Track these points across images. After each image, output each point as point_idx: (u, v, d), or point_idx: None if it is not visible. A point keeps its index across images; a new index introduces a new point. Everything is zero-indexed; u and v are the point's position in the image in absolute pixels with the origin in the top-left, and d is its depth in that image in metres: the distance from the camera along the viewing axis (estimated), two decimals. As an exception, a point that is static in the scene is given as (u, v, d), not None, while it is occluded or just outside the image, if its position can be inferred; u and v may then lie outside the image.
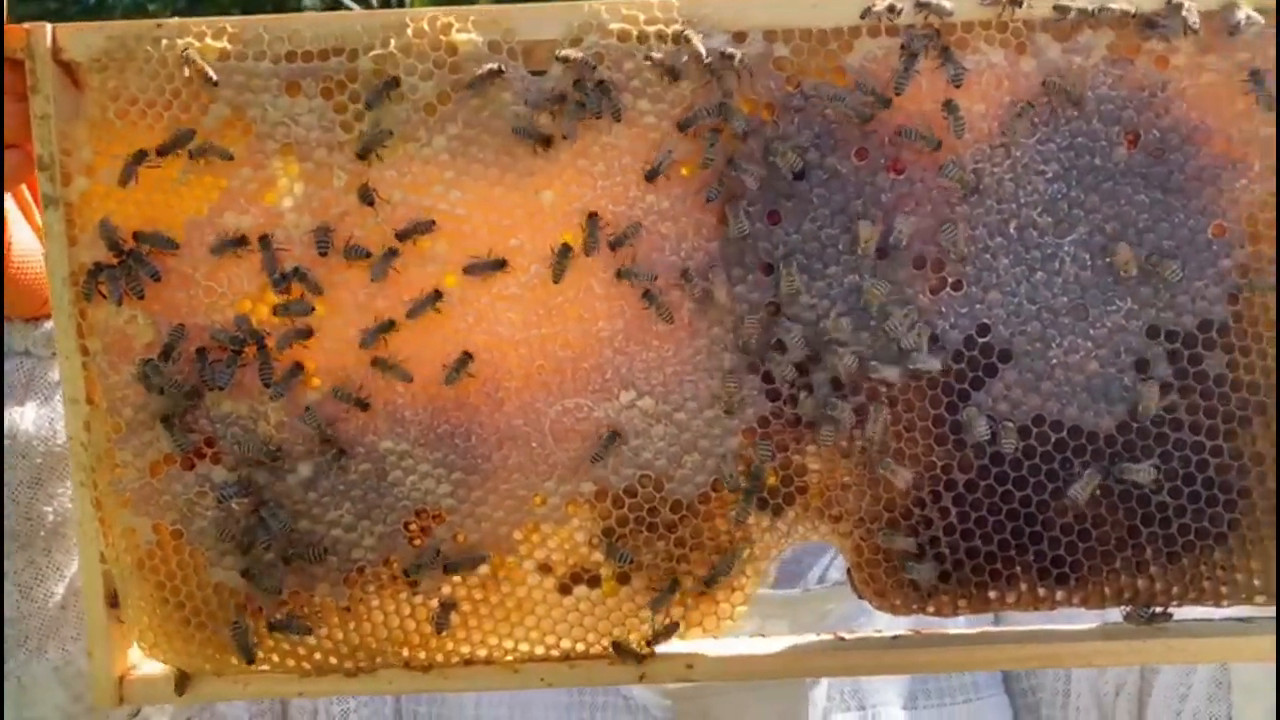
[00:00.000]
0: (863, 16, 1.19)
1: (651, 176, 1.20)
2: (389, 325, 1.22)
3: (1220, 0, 1.18)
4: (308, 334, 1.22)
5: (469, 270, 1.21)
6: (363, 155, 1.20)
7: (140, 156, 1.20)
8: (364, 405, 1.23)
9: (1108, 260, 1.21)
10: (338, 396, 1.23)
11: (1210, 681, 1.44)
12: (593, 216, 1.20)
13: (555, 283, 1.22)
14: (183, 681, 1.28)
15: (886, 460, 1.22)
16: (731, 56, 1.18)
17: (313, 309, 1.23)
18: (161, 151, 1.20)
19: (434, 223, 1.21)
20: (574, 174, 1.21)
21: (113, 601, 1.28)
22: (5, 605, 1.41)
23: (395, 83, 1.19)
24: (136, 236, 1.21)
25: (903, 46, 1.18)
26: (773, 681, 1.53)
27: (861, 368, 1.21)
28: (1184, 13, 1.17)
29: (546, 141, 1.19)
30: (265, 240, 1.22)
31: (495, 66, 1.18)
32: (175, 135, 1.20)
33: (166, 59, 1.20)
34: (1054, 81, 1.19)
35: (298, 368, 1.23)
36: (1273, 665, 1.32)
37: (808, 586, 1.60)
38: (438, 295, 1.22)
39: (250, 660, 1.26)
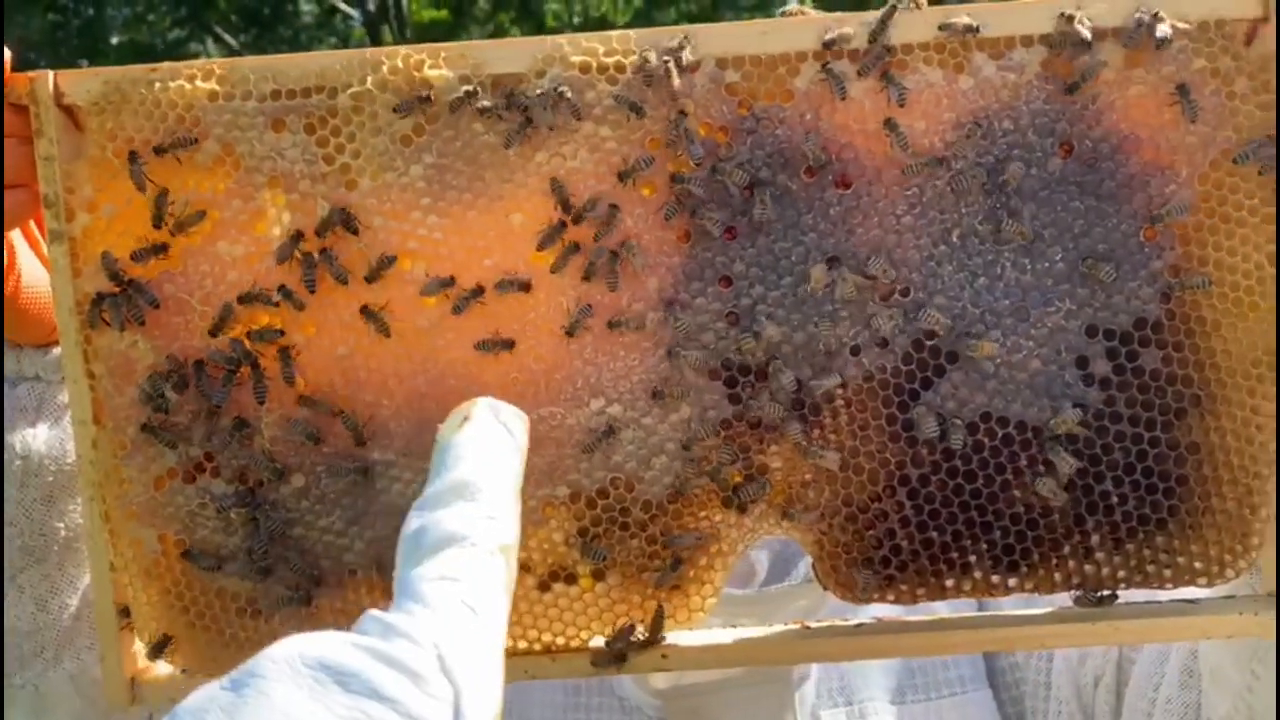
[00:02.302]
0: (825, 46, 1.26)
1: (624, 178, 1.27)
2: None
3: (1138, 15, 1.24)
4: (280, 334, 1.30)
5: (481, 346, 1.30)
6: (320, 232, 1.28)
7: (133, 157, 1.27)
8: (358, 435, 1.30)
9: (1045, 265, 1.29)
10: (319, 411, 1.30)
11: (1182, 670, 1.49)
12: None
13: (553, 273, 1.29)
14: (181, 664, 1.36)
15: (814, 448, 1.28)
16: (675, 48, 1.24)
17: (282, 333, 1.30)
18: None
19: (395, 259, 1.29)
20: (541, 198, 1.28)
21: (124, 611, 1.35)
22: (21, 618, 1.49)
23: (428, 99, 1.26)
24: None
25: (825, 67, 1.26)
26: (761, 680, 1.59)
27: (800, 385, 1.28)
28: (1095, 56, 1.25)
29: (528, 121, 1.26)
30: (299, 235, 1.29)
31: (461, 94, 1.25)
32: (155, 200, 1.28)
33: (160, 100, 1.28)
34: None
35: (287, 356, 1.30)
36: (1235, 650, 1.38)
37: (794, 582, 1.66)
38: (386, 331, 1.30)
39: None
